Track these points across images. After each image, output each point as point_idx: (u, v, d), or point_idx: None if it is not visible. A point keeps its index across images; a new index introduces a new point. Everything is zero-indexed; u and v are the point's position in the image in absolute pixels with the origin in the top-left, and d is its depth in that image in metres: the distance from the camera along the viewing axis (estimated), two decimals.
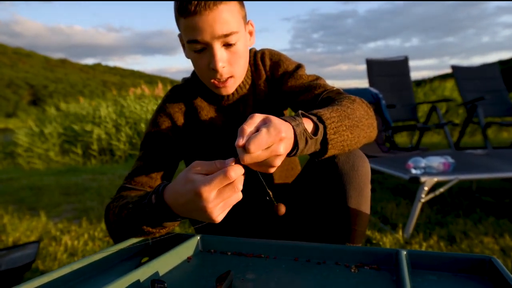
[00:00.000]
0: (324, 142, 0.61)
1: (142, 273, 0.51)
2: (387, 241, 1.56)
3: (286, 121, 0.55)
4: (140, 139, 5.48)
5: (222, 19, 0.67)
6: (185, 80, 0.89)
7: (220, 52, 0.70)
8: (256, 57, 0.86)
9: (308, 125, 0.58)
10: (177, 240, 0.67)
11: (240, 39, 0.72)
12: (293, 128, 0.55)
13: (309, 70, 0.90)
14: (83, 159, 5.52)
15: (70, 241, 1.76)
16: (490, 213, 1.89)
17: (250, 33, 0.80)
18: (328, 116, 0.61)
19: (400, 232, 1.63)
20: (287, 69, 0.84)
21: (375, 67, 3.72)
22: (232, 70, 0.74)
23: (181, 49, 0.79)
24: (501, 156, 2.17)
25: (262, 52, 0.87)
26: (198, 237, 0.66)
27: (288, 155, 0.56)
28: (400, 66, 3.79)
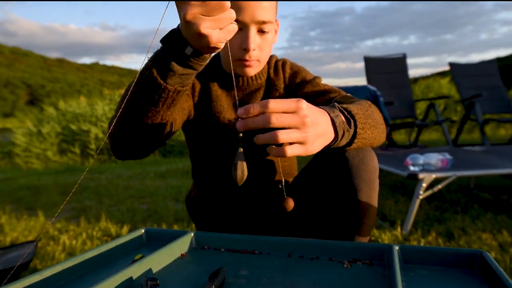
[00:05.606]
0: (353, 136, 0.62)
1: (135, 270, 0.51)
2: (386, 238, 1.56)
3: (324, 110, 0.56)
4: None
5: (264, 7, 0.74)
6: None
7: (254, 35, 0.75)
8: (278, 63, 0.92)
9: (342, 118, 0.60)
10: (171, 236, 0.66)
11: (271, 31, 0.79)
12: (332, 119, 0.56)
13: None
14: (81, 159, 5.51)
15: (68, 240, 1.76)
16: (488, 210, 1.90)
17: (275, 31, 0.84)
18: (356, 112, 0.63)
19: (399, 229, 1.64)
20: (305, 77, 0.89)
21: (373, 65, 3.72)
22: (259, 55, 0.79)
23: None
24: (499, 153, 2.18)
25: (284, 60, 0.93)
26: (192, 234, 0.66)
27: (328, 146, 0.58)
28: (398, 63, 3.79)
